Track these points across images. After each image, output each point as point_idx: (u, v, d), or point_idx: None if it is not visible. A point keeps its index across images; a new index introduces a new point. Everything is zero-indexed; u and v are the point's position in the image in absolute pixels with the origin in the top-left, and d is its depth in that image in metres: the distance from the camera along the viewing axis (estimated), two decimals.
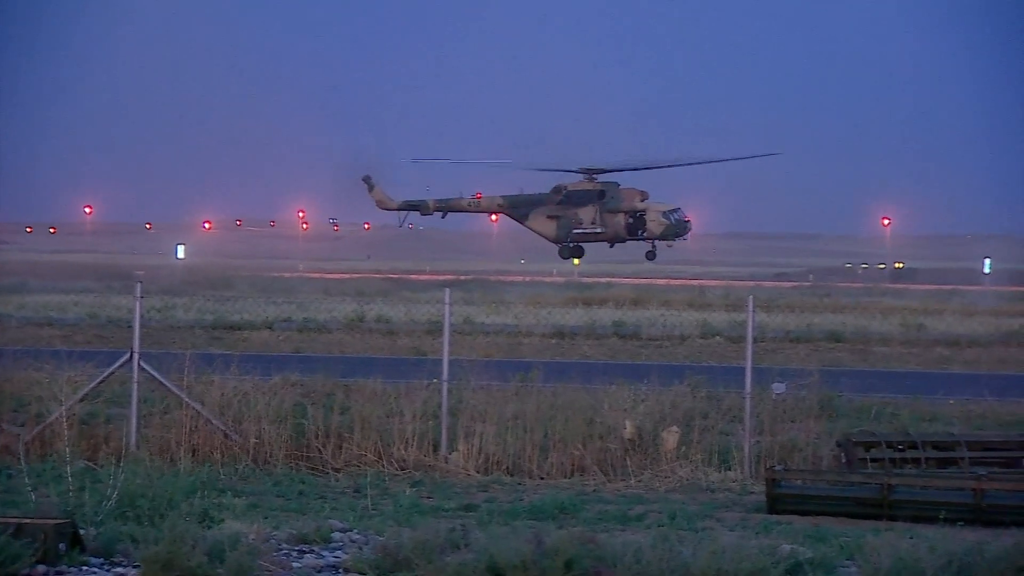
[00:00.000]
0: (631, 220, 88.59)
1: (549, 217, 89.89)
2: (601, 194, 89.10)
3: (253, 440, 22.70)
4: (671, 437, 22.51)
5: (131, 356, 23.08)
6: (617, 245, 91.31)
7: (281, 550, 16.25)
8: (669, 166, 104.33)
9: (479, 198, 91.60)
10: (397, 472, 22.34)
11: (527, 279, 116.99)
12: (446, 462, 22.55)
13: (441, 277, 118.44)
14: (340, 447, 22.71)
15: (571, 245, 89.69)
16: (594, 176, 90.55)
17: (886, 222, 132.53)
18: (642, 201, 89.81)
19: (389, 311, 59.28)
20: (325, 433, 22.82)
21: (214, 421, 22.85)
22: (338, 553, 16.30)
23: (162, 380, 23.16)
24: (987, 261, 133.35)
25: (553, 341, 47.37)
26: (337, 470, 22.36)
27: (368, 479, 21.32)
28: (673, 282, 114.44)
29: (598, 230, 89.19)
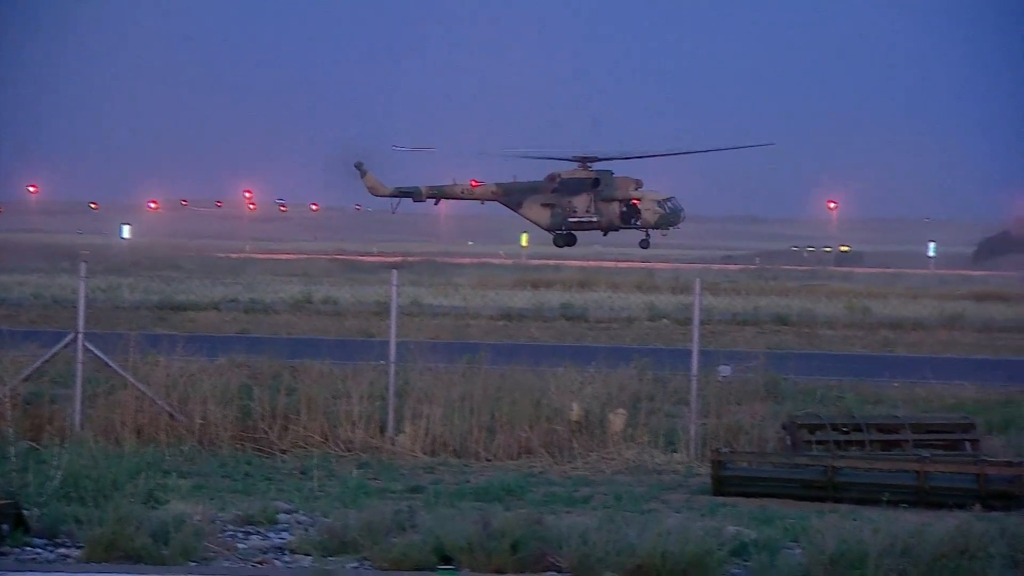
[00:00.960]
0: (625, 209, 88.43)
1: (543, 205, 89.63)
2: (596, 182, 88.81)
3: (199, 421, 22.61)
4: (618, 419, 22.56)
5: (76, 336, 22.92)
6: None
7: (227, 531, 16.20)
8: (664, 155, 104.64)
9: (473, 185, 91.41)
10: (344, 453, 22.30)
11: (475, 261, 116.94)
12: (393, 444, 22.53)
13: (389, 259, 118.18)
14: (286, 428, 22.65)
15: (565, 233, 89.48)
16: (588, 164, 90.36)
17: (832, 205, 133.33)
18: (636, 189, 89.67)
19: (336, 292, 59.10)
20: (271, 414, 22.74)
21: (159, 402, 22.73)
22: (284, 534, 16.26)
23: (107, 360, 23.02)
24: (932, 245, 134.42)
25: (501, 323, 47.37)
26: (283, 451, 22.30)
27: (315, 460, 21.26)
28: (621, 264, 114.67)
29: (593, 219, 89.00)
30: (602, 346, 36.07)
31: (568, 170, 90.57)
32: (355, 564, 15.13)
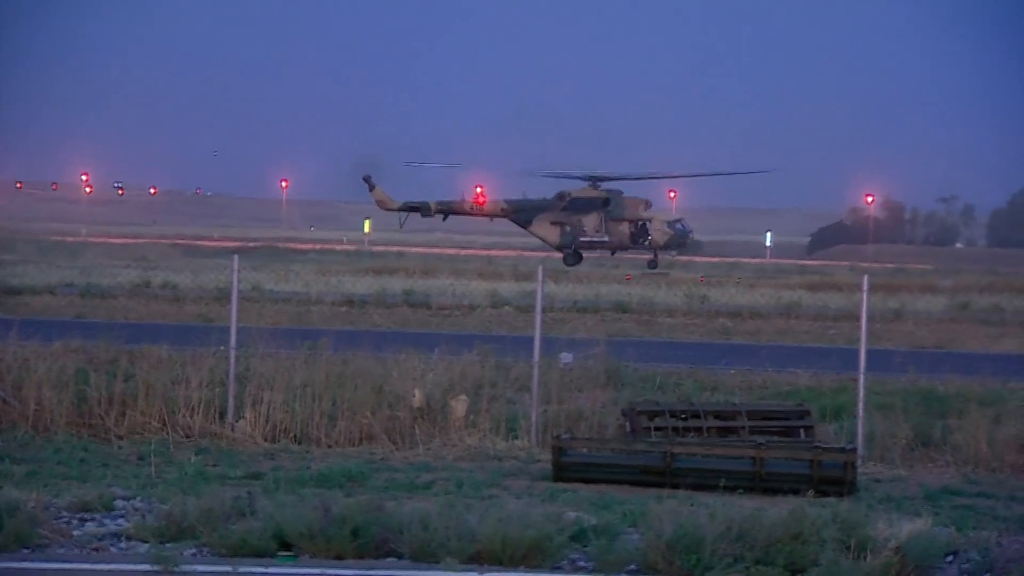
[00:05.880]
0: (634, 229, 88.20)
1: (553, 223, 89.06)
2: (606, 202, 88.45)
3: (33, 407, 22.21)
4: (459, 406, 22.61)
5: None
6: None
7: (62, 518, 15.94)
8: (672, 176, 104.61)
9: (482, 202, 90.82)
10: (182, 440, 22.06)
11: (317, 247, 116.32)
12: (232, 430, 22.34)
13: (230, 244, 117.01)
14: (124, 414, 22.34)
15: (574, 252, 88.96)
16: (598, 184, 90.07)
17: (672, 195, 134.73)
18: (646, 210, 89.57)
19: (176, 277, 58.36)
20: (108, 400, 22.42)
21: None
22: (120, 521, 16.04)
23: None
24: (768, 234, 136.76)
25: (343, 309, 47.18)
26: (120, 437, 22.00)
27: (152, 447, 21.02)
28: (463, 252, 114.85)
29: (603, 238, 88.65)
30: (444, 333, 36.12)
31: (578, 189, 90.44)
32: (193, 551, 14.98)
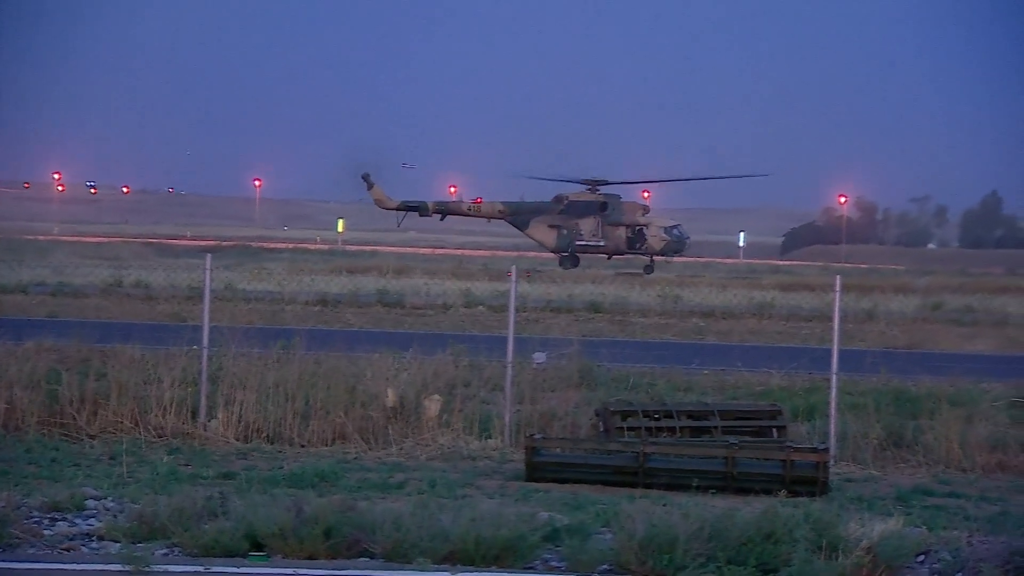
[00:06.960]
0: (631, 234, 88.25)
1: (550, 226, 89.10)
2: (603, 206, 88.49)
3: (4, 406, 22.12)
4: (433, 405, 22.60)
5: None
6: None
7: (33, 518, 15.88)
8: (669, 180, 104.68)
9: (479, 203, 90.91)
10: (154, 439, 22.00)
11: (291, 246, 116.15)
12: (205, 430, 22.29)
13: (203, 243, 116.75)
14: (95, 414, 22.26)
15: (570, 255, 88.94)
16: (596, 188, 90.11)
17: (646, 195, 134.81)
18: (643, 215, 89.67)
19: (148, 276, 58.21)
20: (80, 399, 22.34)
21: None
22: (92, 521, 15.98)
23: None
24: (742, 234, 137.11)
25: (316, 309, 47.12)
26: (92, 437, 21.92)
27: (124, 446, 20.95)
28: (437, 252, 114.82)
29: (600, 243, 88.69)
30: (418, 332, 36.10)
31: (575, 192, 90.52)
32: (165, 551, 14.94)
